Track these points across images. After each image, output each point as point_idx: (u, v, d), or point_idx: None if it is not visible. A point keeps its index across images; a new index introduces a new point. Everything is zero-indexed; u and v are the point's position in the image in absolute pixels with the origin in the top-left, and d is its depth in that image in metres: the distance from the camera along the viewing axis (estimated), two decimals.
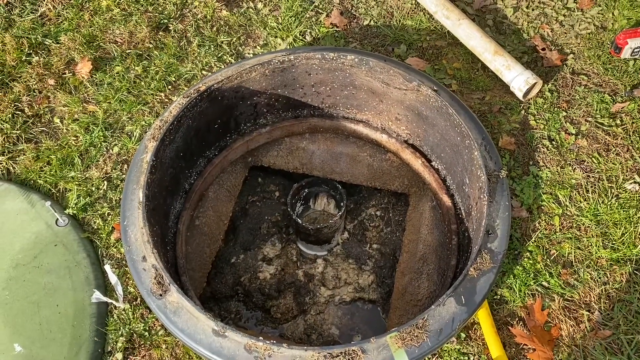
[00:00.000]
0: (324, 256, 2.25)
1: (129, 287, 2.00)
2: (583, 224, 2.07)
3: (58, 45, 2.59)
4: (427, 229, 2.05)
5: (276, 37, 2.60)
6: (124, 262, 2.05)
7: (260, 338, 1.43)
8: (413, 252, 2.04)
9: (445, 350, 1.86)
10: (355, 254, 2.25)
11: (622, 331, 1.86)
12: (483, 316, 1.87)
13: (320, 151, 2.25)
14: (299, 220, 2.09)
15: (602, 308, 1.91)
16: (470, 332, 1.89)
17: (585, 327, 1.88)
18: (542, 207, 2.11)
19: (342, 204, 2.17)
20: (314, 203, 2.33)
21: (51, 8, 2.71)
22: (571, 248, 2.02)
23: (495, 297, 1.95)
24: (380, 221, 2.32)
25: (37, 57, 2.54)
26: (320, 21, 2.65)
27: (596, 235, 2.04)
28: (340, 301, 2.16)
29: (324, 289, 2.18)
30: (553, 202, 2.12)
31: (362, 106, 2.14)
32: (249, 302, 2.15)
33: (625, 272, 1.96)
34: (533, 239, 2.04)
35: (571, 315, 1.90)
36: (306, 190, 2.28)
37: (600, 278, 1.96)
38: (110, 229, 2.12)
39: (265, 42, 2.60)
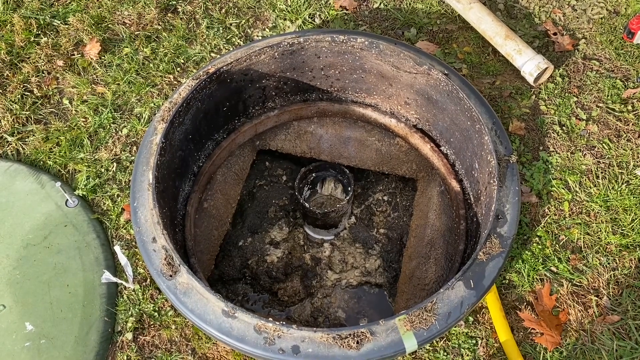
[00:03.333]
0: (331, 240, 2.25)
1: (138, 268, 2.01)
2: (593, 210, 2.06)
3: (66, 26, 2.58)
4: (435, 214, 2.05)
5: (285, 19, 2.58)
6: (133, 243, 2.06)
7: (270, 319, 1.43)
8: (420, 237, 2.04)
9: (453, 334, 1.87)
10: (362, 238, 2.25)
11: (630, 316, 1.86)
12: (491, 300, 1.87)
13: (328, 135, 2.24)
14: (307, 205, 2.09)
15: (611, 293, 1.91)
16: (478, 316, 1.90)
17: (594, 312, 1.88)
18: (552, 193, 2.10)
19: (349, 188, 2.16)
20: (322, 187, 2.33)
21: None
22: (580, 233, 2.02)
23: (503, 281, 1.95)
24: (388, 206, 2.32)
25: (46, 38, 2.54)
26: (330, 4, 2.62)
27: (606, 221, 2.04)
28: (347, 285, 2.17)
29: (331, 273, 2.18)
30: (563, 188, 2.11)
31: (371, 90, 2.12)
32: (256, 285, 2.16)
33: (635, 258, 1.96)
34: (542, 224, 2.04)
35: (579, 300, 1.90)
36: (314, 175, 2.28)
37: (609, 264, 1.96)
38: (120, 210, 2.12)
39: (274, 24, 2.58)
